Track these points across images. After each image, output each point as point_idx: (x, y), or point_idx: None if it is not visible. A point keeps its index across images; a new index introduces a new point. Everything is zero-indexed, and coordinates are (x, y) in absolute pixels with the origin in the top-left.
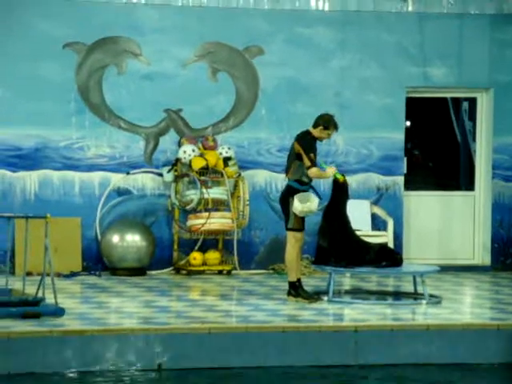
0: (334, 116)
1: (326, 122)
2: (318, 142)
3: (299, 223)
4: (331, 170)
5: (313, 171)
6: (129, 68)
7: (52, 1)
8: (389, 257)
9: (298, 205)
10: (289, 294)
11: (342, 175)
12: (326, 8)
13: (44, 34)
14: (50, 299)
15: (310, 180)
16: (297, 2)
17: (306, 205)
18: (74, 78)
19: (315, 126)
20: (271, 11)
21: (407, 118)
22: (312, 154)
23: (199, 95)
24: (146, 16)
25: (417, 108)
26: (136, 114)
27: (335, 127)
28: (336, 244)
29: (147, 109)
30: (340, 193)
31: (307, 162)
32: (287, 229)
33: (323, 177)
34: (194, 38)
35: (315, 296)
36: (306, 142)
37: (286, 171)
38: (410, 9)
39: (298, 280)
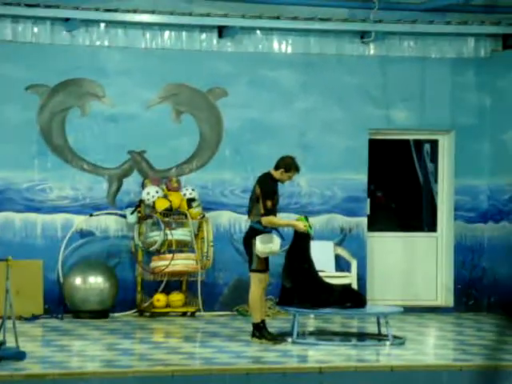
0: (295, 158)
1: (287, 165)
2: (280, 184)
3: (262, 264)
4: (301, 224)
5: (265, 219)
6: (92, 110)
7: (14, 43)
8: (353, 298)
9: (259, 246)
10: (253, 335)
11: (308, 222)
12: (289, 51)
13: (6, 77)
14: (10, 342)
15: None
16: (260, 44)
17: (268, 246)
18: (36, 120)
19: (276, 168)
20: (234, 54)
21: (370, 160)
22: (269, 202)
23: (163, 137)
24: (109, 58)
25: (379, 150)
26: (99, 156)
27: (296, 170)
28: (299, 285)
29: (111, 150)
30: (303, 234)
31: (261, 210)
32: (251, 270)
33: (277, 225)
34: (158, 79)
35: (279, 337)
36: (266, 186)
37: (248, 213)
38: (372, 52)
39: (263, 321)
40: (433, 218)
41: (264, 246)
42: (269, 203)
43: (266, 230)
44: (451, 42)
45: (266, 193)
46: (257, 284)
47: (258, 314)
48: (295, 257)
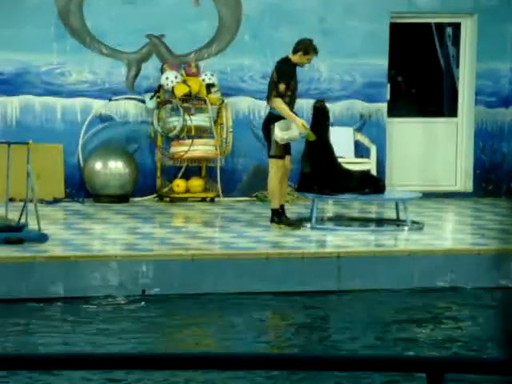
0: (313, 41)
1: (306, 48)
2: (298, 68)
3: (280, 150)
4: (301, 125)
5: (275, 101)
6: None
7: None
8: (372, 183)
9: (278, 132)
10: (272, 220)
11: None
12: None
13: None
14: (33, 225)
15: (292, 107)
16: None
17: (287, 132)
18: (54, 2)
19: (295, 51)
20: None
21: (391, 45)
22: (282, 85)
23: (181, 21)
24: None
25: (401, 34)
26: (118, 40)
27: (315, 52)
28: (319, 171)
29: (129, 34)
30: (321, 119)
31: (273, 92)
32: (269, 156)
33: (284, 114)
34: None
35: (298, 222)
36: (282, 70)
37: (267, 99)
38: None
39: (281, 207)
40: (453, 104)
41: (282, 132)
42: (282, 86)
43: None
44: None
45: (280, 76)
46: (275, 170)
47: (277, 199)
48: (314, 142)
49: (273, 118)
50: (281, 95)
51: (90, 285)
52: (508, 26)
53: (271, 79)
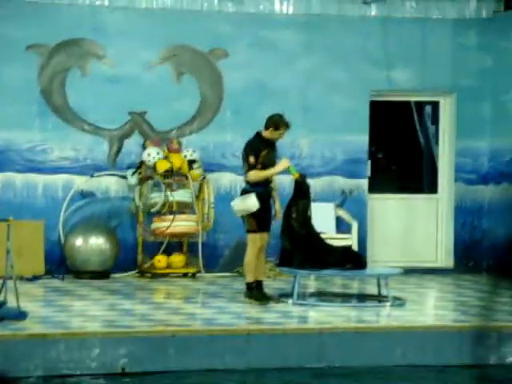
0: (284, 115)
1: (276, 123)
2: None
3: (253, 225)
4: (284, 163)
5: (250, 174)
6: (93, 70)
7: (14, 2)
8: (353, 259)
9: (235, 204)
10: (245, 295)
11: (298, 172)
12: (291, 11)
13: (6, 37)
14: (12, 303)
15: (269, 182)
16: (261, 5)
17: (242, 203)
18: (36, 81)
19: (266, 127)
20: (236, 14)
21: (371, 122)
22: (251, 158)
23: (164, 98)
24: (110, 18)
25: (381, 112)
26: (100, 117)
27: (286, 126)
28: (299, 246)
29: (111, 111)
30: (300, 193)
31: (245, 166)
32: (246, 231)
33: (263, 176)
34: (159, 40)
35: (272, 298)
36: (249, 144)
37: (244, 174)
38: (374, 13)
39: (257, 282)
40: (433, 180)
41: (239, 203)
42: (251, 159)
43: (257, 189)
44: (453, 2)
45: (247, 150)
46: (251, 245)
47: (250, 274)
48: (291, 217)
49: (244, 193)
50: (252, 167)
51: (70, 362)
52: (486, 104)
53: (242, 155)
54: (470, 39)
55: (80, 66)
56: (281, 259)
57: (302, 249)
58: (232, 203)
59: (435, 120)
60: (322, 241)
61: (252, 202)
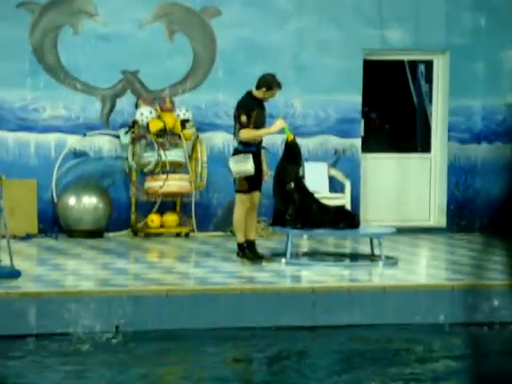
0: (276, 75)
1: (269, 83)
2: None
3: (243, 185)
4: (279, 124)
5: (242, 133)
6: (85, 29)
7: None
8: (346, 218)
9: (233, 166)
10: (237, 254)
11: (289, 130)
12: None
13: None
14: (5, 261)
15: (259, 141)
16: None
17: (240, 165)
18: (28, 39)
19: (258, 87)
20: None
21: (364, 81)
22: (243, 117)
23: (156, 56)
24: None
25: (374, 71)
26: (92, 76)
27: (278, 86)
28: (292, 206)
29: (103, 70)
30: (290, 153)
31: (237, 125)
32: (235, 191)
33: (255, 136)
34: None
35: (264, 257)
36: (241, 103)
37: (234, 134)
38: None
39: (247, 241)
40: (426, 139)
41: (235, 165)
42: (243, 118)
43: (249, 149)
44: None
45: (239, 109)
46: (239, 205)
47: (241, 233)
48: (283, 176)
49: (237, 152)
50: (244, 126)
51: (64, 321)
52: (480, 63)
53: (234, 115)
54: None
55: (72, 24)
56: (274, 219)
57: (295, 209)
58: (230, 165)
59: (429, 79)
60: (314, 200)
61: (250, 166)
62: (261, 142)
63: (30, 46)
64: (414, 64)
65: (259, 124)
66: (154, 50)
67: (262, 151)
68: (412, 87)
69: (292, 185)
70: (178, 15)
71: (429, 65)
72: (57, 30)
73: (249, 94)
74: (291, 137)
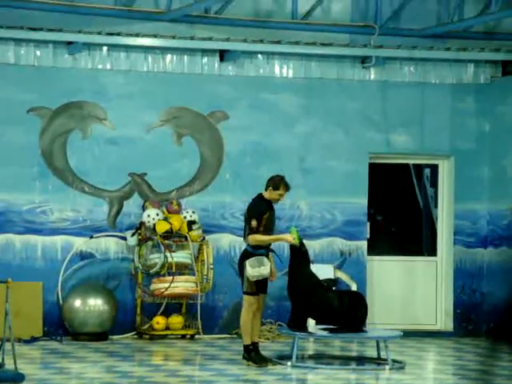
0: (285, 177)
1: (275, 183)
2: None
3: (252, 287)
4: (289, 238)
5: (251, 238)
6: (93, 132)
7: (16, 66)
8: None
9: (249, 269)
10: (243, 357)
11: (297, 233)
12: (290, 75)
13: (8, 100)
14: (9, 365)
15: (268, 244)
16: (261, 68)
17: (256, 269)
18: (37, 143)
19: (266, 188)
20: (236, 77)
21: (370, 184)
22: (254, 221)
23: (164, 159)
24: (111, 81)
25: (380, 174)
26: (100, 178)
27: (285, 187)
28: (308, 302)
29: (112, 173)
30: (299, 256)
31: (247, 229)
32: (243, 292)
33: (263, 242)
34: (159, 102)
35: (270, 361)
36: (252, 206)
37: (244, 236)
38: (372, 77)
39: (253, 344)
40: (433, 243)
41: (253, 269)
42: (253, 222)
43: (259, 251)
44: (451, 67)
45: (251, 212)
46: (246, 307)
47: (247, 336)
48: (295, 275)
49: (247, 254)
50: (253, 231)
51: None
52: (484, 168)
53: (244, 217)
54: (468, 104)
55: (81, 128)
56: (293, 320)
57: (312, 304)
58: (246, 271)
59: (434, 183)
60: (328, 289)
61: (266, 269)
62: (269, 244)
63: (39, 150)
64: (419, 168)
65: (269, 227)
66: (162, 153)
67: (270, 253)
68: (417, 191)
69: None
70: (186, 119)
71: (434, 169)
72: (66, 134)
73: (259, 196)
74: (298, 243)
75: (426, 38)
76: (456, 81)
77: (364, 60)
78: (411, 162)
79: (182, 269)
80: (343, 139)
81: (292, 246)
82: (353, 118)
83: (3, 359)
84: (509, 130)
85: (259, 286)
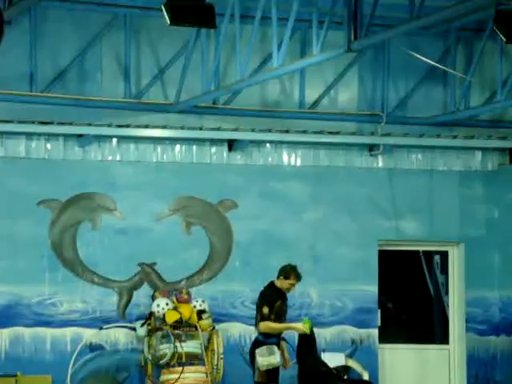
0: (297, 266)
1: (287, 273)
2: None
3: (263, 377)
4: (301, 327)
5: (262, 325)
6: (103, 223)
7: (27, 160)
8: None
9: (259, 359)
10: None
11: (310, 324)
12: (298, 163)
13: (18, 193)
14: None
15: (280, 332)
16: (269, 157)
17: (265, 358)
18: (47, 235)
19: (278, 276)
20: (244, 166)
21: (380, 271)
22: (265, 308)
23: (173, 248)
24: (120, 172)
25: (389, 261)
26: (110, 269)
27: (296, 277)
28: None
29: (121, 263)
30: (307, 343)
31: (258, 316)
32: (254, 382)
33: (275, 330)
34: (168, 192)
35: None
36: (264, 293)
37: (255, 324)
38: (380, 164)
39: None
40: (444, 330)
41: (263, 358)
42: (265, 309)
43: (270, 340)
44: (458, 155)
45: (262, 300)
46: None
47: None
48: (304, 363)
49: (258, 343)
50: (265, 318)
51: None
52: (494, 254)
53: (256, 305)
54: (477, 191)
55: (91, 219)
56: None
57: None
58: (256, 358)
59: (444, 269)
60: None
61: (277, 358)
62: (281, 332)
63: (49, 242)
64: (429, 255)
65: (280, 315)
66: (171, 243)
67: (282, 342)
68: (428, 277)
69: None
70: (194, 208)
71: (444, 256)
72: (76, 226)
73: (271, 284)
74: (309, 332)
75: (433, 126)
76: (464, 168)
77: (372, 148)
78: (421, 248)
79: (192, 359)
80: (352, 226)
81: (301, 334)
82: (361, 205)
83: None
84: None
85: (270, 376)
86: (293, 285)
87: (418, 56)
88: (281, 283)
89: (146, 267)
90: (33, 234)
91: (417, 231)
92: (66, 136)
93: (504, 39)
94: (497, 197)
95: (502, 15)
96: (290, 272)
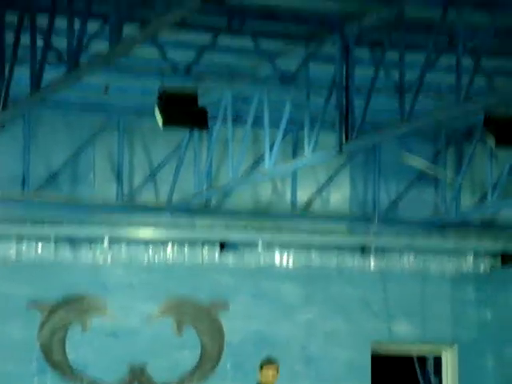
0: (271, 356)
1: (260, 365)
2: None
3: None
4: None
5: None
6: (93, 325)
7: (17, 263)
8: None
9: None
10: None
11: None
12: (291, 264)
13: (8, 295)
14: None
15: None
16: (261, 258)
17: None
18: (36, 337)
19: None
20: (236, 267)
21: (373, 375)
22: None
23: (164, 349)
24: (111, 273)
25: (382, 364)
26: (99, 371)
27: (268, 362)
28: None
29: (111, 365)
30: None
31: None
32: None
33: None
34: (160, 293)
35: None
36: None
37: None
38: (372, 265)
39: None
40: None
41: None
42: None
43: None
44: (450, 257)
45: None
46: None
47: None
48: None
49: None
50: None
51: None
52: (488, 357)
53: None
54: (469, 293)
55: (81, 321)
56: None
57: None
58: None
59: (438, 371)
60: None
61: None
62: None
63: (37, 345)
64: (422, 358)
65: None
66: (162, 344)
67: None
68: (421, 381)
69: None
70: (186, 309)
71: (437, 359)
72: (65, 328)
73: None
74: None
75: (425, 228)
76: (456, 271)
77: (363, 248)
78: (413, 349)
79: None
80: (345, 327)
81: None
82: (354, 307)
83: None
84: (510, 320)
85: None
86: (272, 372)
87: (409, 158)
88: (261, 377)
89: (136, 369)
90: (21, 337)
91: (409, 333)
92: (57, 238)
93: (493, 146)
94: (489, 299)
95: (491, 121)
96: (262, 363)
